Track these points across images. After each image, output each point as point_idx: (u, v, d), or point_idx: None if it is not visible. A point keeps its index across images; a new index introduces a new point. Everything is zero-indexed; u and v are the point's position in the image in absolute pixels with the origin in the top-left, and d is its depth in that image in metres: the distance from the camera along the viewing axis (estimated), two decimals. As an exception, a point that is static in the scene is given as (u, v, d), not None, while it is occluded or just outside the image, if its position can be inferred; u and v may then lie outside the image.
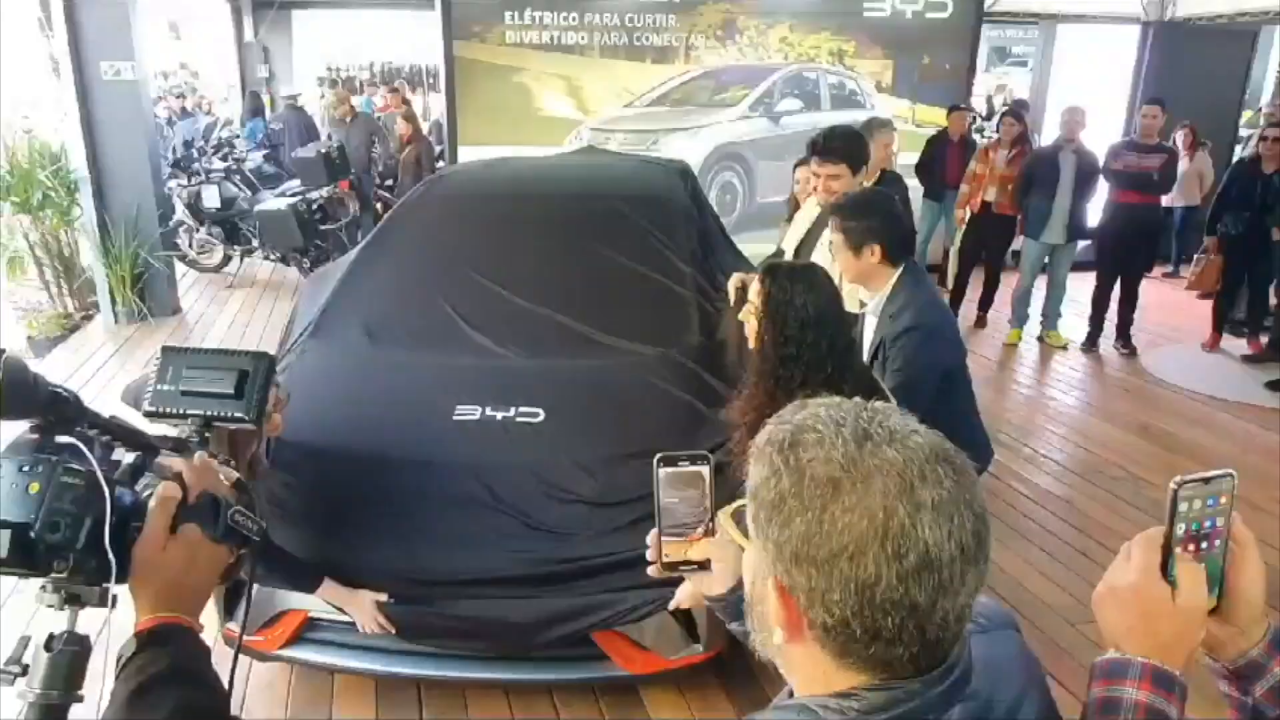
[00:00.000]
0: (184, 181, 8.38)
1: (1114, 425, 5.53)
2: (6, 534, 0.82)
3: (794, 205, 4.21)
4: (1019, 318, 6.98)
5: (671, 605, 2.46)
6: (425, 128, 10.70)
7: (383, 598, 2.62)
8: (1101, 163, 6.48)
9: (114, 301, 6.98)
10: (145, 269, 6.98)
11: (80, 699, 0.89)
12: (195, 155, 8.75)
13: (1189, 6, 8.99)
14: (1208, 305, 7.00)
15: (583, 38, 7.67)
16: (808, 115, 8.00)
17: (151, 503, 0.92)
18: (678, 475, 1.09)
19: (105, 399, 5.56)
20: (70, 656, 0.87)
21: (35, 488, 0.84)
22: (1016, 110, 7.60)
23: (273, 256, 8.35)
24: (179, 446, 1.00)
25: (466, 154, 7.50)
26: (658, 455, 1.08)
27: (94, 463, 0.88)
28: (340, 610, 2.68)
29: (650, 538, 1.12)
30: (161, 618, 0.91)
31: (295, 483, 2.79)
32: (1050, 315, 6.92)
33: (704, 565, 1.14)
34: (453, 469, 2.80)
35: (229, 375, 1.03)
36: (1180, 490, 0.88)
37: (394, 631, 2.65)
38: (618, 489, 2.73)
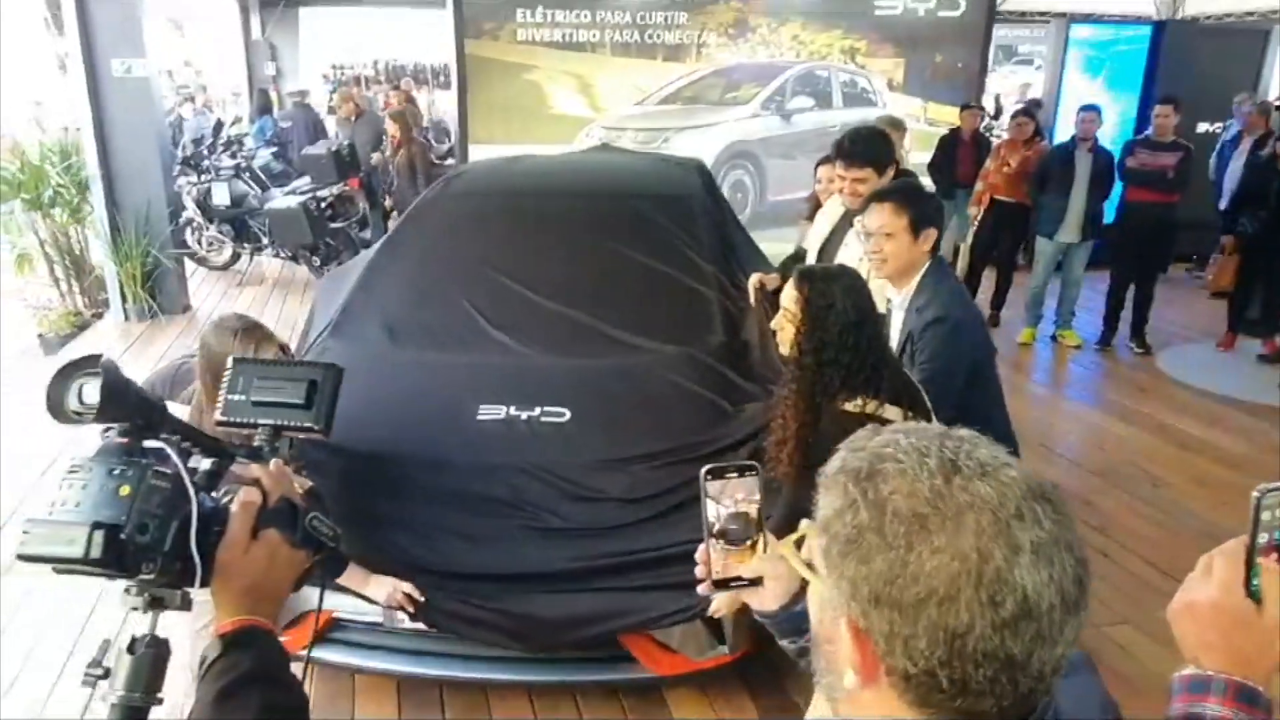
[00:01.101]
0: (194, 179, 8.36)
1: (1130, 425, 5.51)
2: (100, 534, 0.82)
3: (815, 204, 4.18)
4: (1033, 317, 6.95)
5: (710, 612, 2.44)
6: (425, 125, 10.62)
7: (406, 586, 2.60)
8: (1116, 161, 6.46)
9: (124, 299, 6.97)
10: (155, 266, 6.97)
11: (160, 701, 0.91)
12: (205, 153, 8.74)
13: (1199, 5, 8.97)
14: (1223, 305, 6.97)
15: (594, 35, 7.65)
16: (819, 113, 7.99)
17: (233, 506, 0.94)
18: (725, 486, 1.04)
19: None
20: (151, 659, 0.89)
21: (125, 490, 0.85)
22: (1029, 109, 7.58)
23: (282, 254, 8.34)
24: (253, 454, 1.01)
25: (477, 152, 7.48)
26: (705, 467, 1.05)
27: (181, 466, 0.90)
28: (366, 600, 2.64)
29: (699, 554, 1.07)
30: (243, 621, 0.92)
31: (317, 481, 2.77)
32: (1064, 314, 6.90)
33: (756, 581, 1.08)
34: (479, 470, 2.79)
35: (299, 386, 1.04)
36: (1264, 499, 0.86)
37: (413, 611, 2.59)
38: (645, 488, 2.72)
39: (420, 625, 2.67)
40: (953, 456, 0.72)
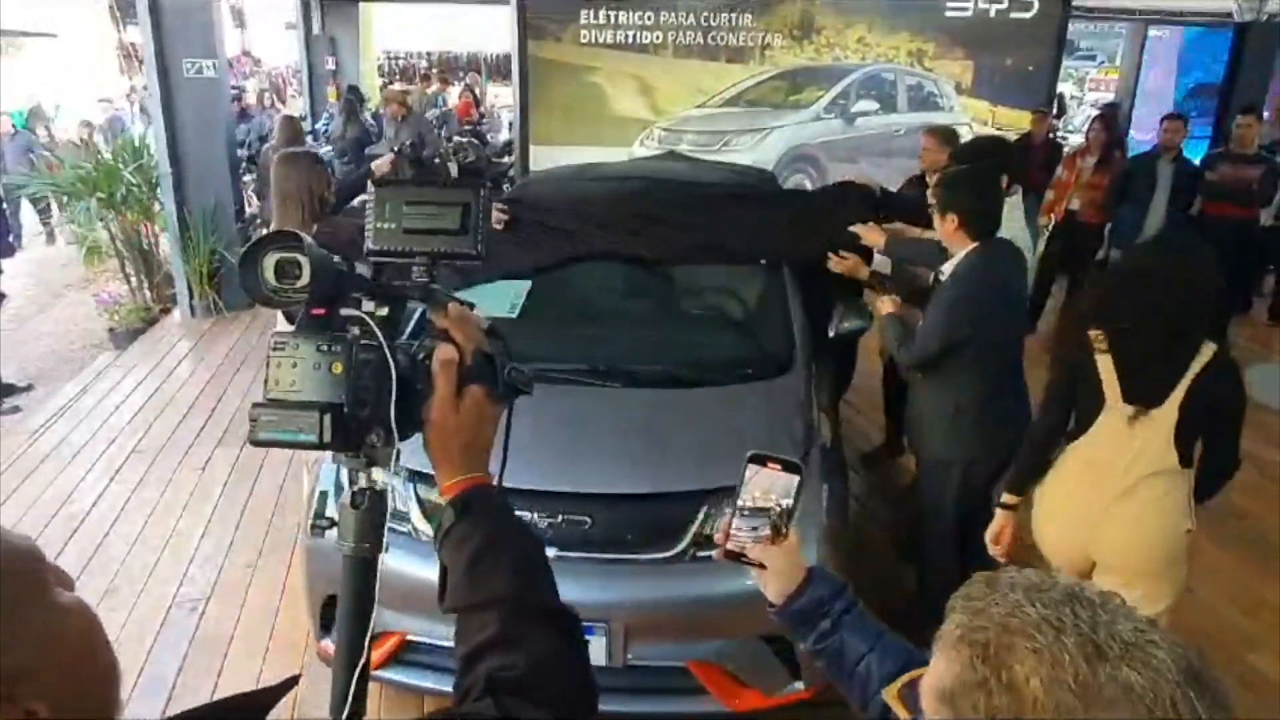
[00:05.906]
0: (258, 176, 8.46)
1: (1208, 449, 5.30)
2: (328, 418, 0.83)
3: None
4: (1103, 331, 6.74)
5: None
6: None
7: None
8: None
9: (191, 295, 7.09)
10: (221, 264, 7.07)
11: (386, 549, 0.93)
12: (269, 151, 8.83)
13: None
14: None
15: (657, 37, 7.59)
16: (884, 117, 7.84)
17: (434, 367, 0.93)
18: (765, 475, 1.17)
19: (184, 393, 5.64)
20: (376, 513, 0.91)
21: (339, 368, 0.85)
22: (1106, 114, 7.35)
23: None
24: (426, 295, 0.97)
25: (537, 153, 7.48)
26: (751, 452, 1.17)
27: (382, 337, 0.88)
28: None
29: (722, 524, 1.22)
30: (469, 481, 0.93)
31: None
32: (1136, 329, 6.66)
33: (761, 565, 1.22)
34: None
35: (452, 210, 0.98)
36: None
37: None
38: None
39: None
40: (1091, 632, 0.68)
